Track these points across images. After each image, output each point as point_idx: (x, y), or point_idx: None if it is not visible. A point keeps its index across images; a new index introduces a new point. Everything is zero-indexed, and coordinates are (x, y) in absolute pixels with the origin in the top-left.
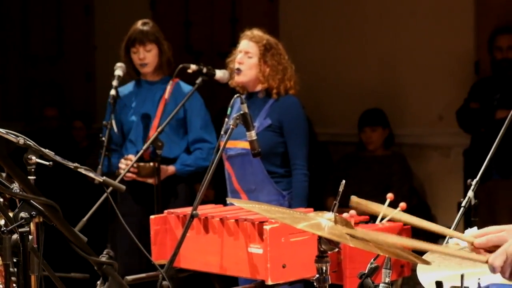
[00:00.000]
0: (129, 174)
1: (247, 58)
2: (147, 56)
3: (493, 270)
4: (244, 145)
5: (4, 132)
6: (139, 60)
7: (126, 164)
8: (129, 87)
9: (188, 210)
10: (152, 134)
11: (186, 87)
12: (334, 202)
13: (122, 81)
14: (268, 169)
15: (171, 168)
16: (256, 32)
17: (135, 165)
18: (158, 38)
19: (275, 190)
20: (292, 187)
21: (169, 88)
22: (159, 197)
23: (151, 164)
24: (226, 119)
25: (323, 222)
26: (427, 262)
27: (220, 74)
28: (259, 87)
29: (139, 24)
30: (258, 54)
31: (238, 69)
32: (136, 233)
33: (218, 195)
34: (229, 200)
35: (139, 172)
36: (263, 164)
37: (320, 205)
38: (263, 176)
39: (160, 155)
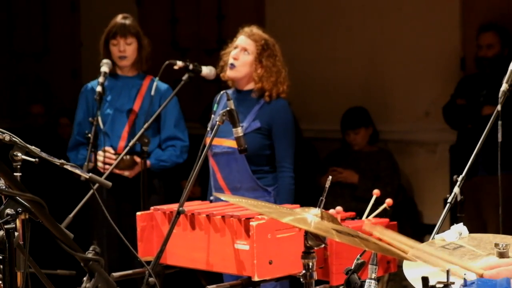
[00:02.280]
0: (107, 166)
1: (242, 55)
2: (127, 49)
3: None
4: (230, 143)
5: None
6: (119, 52)
7: (105, 156)
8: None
9: (174, 206)
10: (129, 128)
11: (161, 84)
12: (321, 198)
13: (94, 74)
14: (252, 168)
15: (147, 162)
16: (256, 30)
17: (113, 157)
18: (138, 32)
19: (259, 188)
20: (279, 190)
21: (155, 84)
22: (145, 194)
23: (128, 156)
24: (212, 116)
25: (310, 217)
26: (413, 259)
27: (206, 70)
28: (250, 86)
29: (119, 18)
30: (254, 52)
31: (232, 64)
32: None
33: (205, 192)
34: (216, 194)
35: (117, 164)
36: (249, 165)
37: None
38: (247, 174)
39: (147, 151)
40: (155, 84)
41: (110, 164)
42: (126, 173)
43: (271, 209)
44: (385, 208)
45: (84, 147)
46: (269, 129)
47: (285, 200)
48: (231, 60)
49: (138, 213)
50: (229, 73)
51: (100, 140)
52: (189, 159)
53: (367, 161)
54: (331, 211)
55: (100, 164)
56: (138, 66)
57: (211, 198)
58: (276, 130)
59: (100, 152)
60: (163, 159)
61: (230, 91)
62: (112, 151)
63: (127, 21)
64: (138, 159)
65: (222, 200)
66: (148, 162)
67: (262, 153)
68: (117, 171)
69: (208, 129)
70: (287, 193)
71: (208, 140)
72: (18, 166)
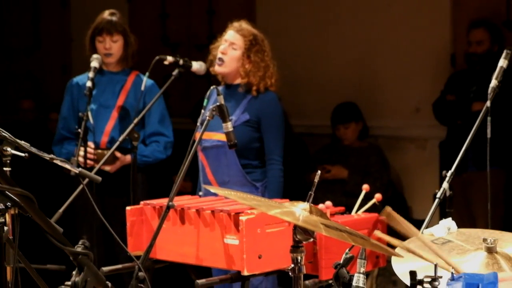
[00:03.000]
0: (88, 161)
1: (231, 50)
2: (113, 46)
3: None
4: (219, 137)
5: None
6: (105, 49)
7: (86, 151)
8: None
9: (164, 201)
10: (112, 123)
11: (147, 80)
12: (310, 192)
13: (84, 70)
14: (242, 162)
15: (127, 157)
16: (245, 25)
17: (94, 152)
18: (125, 29)
19: (248, 183)
20: (266, 179)
21: (145, 79)
22: (135, 188)
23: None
24: (203, 111)
25: (298, 211)
26: (399, 255)
27: (196, 66)
28: (238, 80)
29: (106, 14)
30: (242, 47)
31: (220, 59)
32: (98, 222)
33: (196, 187)
34: (205, 187)
35: (98, 159)
36: (238, 158)
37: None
38: (237, 168)
39: (136, 147)
40: (144, 79)
41: (90, 159)
42: (107, 168)
43: (260, 202)
44: (374, 203)
45: (68, 141)
46: (258, 122)
47: (274, 192)
48: (219, 55)
49: (127, 208)
50: (217, 69)
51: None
52: (180, 154)
53: (357, 156)
54: (321, 205)
55: (81, 159)
56: (123, 63)
57: (200, 193)
58: (265, 123)
59: (81, 148)
60: (145, 155)
61: (220, 87)
62: (92, 146)
63: (114, 18)
64: (118, 154)
65: (211, 195)
66: (128, 157)
67: (251, 146)
68: (96, 166)
69: (198, 124)
70: (276, 185)
71: (198, 135)
72: (8, 161)
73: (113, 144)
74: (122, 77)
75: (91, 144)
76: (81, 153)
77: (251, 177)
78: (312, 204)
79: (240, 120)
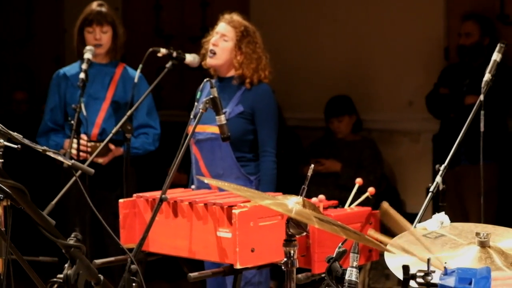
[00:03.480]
0: (82, 154)
1: (222, 41)
2: (102, 37)
3: None
4: (213, 129)
5: None
6: (95, 40)
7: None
8: (75, 67)
9: (157, 194)
10: (103, 115)
11: (132, 71)
12: (303, 186)
13: (70, 61)
14: (236, 154)
15: (119, 150)
16: (236, 17)
17: (85, 144)
18: (114, 21)
19: (242, 176)
20: (260, 172)
21: (138, 71)
22: (128, 181)
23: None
24: (196, 103)
25: (291, 203)
26: (391, 251)
27: (190, 58)
28: (231, 73)
29: (95, 5)
30: (234, 39)
31: (212, 51)
32: (90, 214)
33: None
34: (199, 177)
35: (92, 151)
36: (232, 151)
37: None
38: (231, 161)
39: (130, 139)
40: (138, 71)
41: (83, 151)
42: (100, 160)
43: (253, 194)
44: (367, 197)
45: (55, 133)
46: (252, 114)
47: (267, 184)
48: (211, 47)
49: (120, 200)
50: (209, 61)
51: (70, 127)
52: (174, 147)
53: (350, 149)
54: (314, 199)
55: (74, 151)
56: (112, 54)
57: (192, 187)
58: (259, 115)
59: (74, 140)
60: (136, 146)
61: (213, 80)
62: (86, 138)
63: (103, 9)
64: (112, 147)
65: (204, 188)
66: (121, 149)
67: (246, 138)
68: (89, 158)
69: (191, 117)
70: (269, 177)
71: (191, 128)
72: (0, 153)
73: (105, 136)
74: (111, 69)
75: (84, 136)
76: (74, 145)
77: (245, 170)
78: (305, 198)
79: (234, 112)
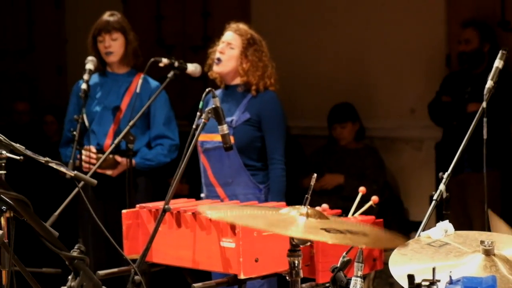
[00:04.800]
0: (90, 166)
1: (228, 49)
2: (112, 45)
3: None
4: (221, 138)
5: None
6: (105, 48)
7: (86, 155)
8: (94, 78)
9: (160, 204)
10: (116, 126)
11: (152, 82)
12: (306, 196)
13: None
14: (244, 162)
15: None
16: (242, 26)
17: (95, 156)
18: (124, 27)
19: (251, 183)
20: (269, 181)
21: (140, 81)
22: (131, 191)
23: (111, 156)
24: (198, 113)
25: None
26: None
27: (191, 68)
28: (237, 81)
29: (106, 15)
30: (240, 47)
31: (218, 59)
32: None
33: (193, 189)
34: (201, 208)
35: (99, 163)
36: (241, 158)
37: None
38: (240, 169)
39: (132, 149)
40: (140, 81)
41: (92, 163)
42: (109, 172)
43: (256, 219)
44: (371, 206)
45: (69, 144)
46: (259, 120)
47: (275, 193)
48: (217, 55)
49: (123, 211)
50: (215, 68)
51: (86, 138)
52: (177, 157)
53: (352, 158)
54: (317, 208)
55: (83, 164)
56: (126, 62)
57: (202, 195)
58: (266, 122)
59: (83, 151)
60: (149, 158)
61: (218, 91)
62: (94, 150)
63: (112, 18)
64: (119, 159)
65: (212, 197)
66: (133, 161)
67: (253, 146)
68: (99, 170)
69: (194, 126)
70: (278, 185)
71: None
72: (3, 164)
73: (119, 147)
74: (127, 78)
75: (92, 148)
76: (83, 157)
77: (255, 179)
78: (309, 207)
79: (240, 120)
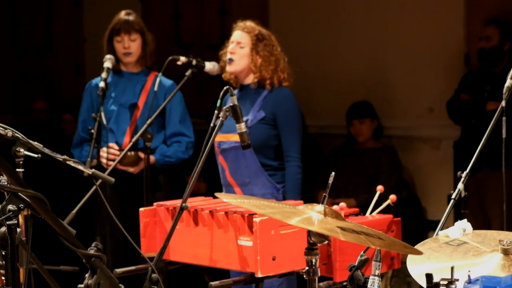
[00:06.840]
0: (111, 163)
1: (239, 48)
2: (131, 45)
3: None
4: (237, 138)
5: None
6: (124, 49)
7: (107, 152)
8: (108, 77)
9: (177, 202)
10: (134, 124)
11: (166, 80)
12: (324, 194)
13: (97, 70)
14: (261, 161)
15: (151, 158)
16: (249, 23)
17: (118, 153)
18: (142, 28)
19: (269, 183)
20: (286, 180)
21: (158, 79)
22: (148, 189)
23: (133, 152)
24: (216, 112)
25: (314, 215)
26: (418, 252)
27: (209, 66)
28: (251, 78)
29: (123, 14)
30: (250, 44)
31: (230, 59)
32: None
33: (210, 188)
34: (217, 195)
35: (121, 160)
36: (257, 157)
37: (311, 198)
38: (257, 168)
39: (150, 147)
40: (158, 79)
41: (114, 161)
42: (131, 169)
43: (274, 209)
44: (388, 204)
45: (88, 143)
46: (274, 119)
47: (292, 190)
48: (228, 55)
49: (141, 209)
50: (228, 68)
51: (103, 136)
52: (194, 155)
53: (370, 158)
54: (335, 207)
55: (104, 161)
56: (142, 62)
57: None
58: (281, 120)
59: (104, 149)
60: (168, 155)
61: (235, 91)
62: (117, 147)
63: (131, 18)
64: (142, 155)
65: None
66: (152, 158)
67: (269, 144)
68: (121, 167)
69: (212, 125)
70: (294, 183)
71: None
72: (21, 162)
73: (137, 145)
74: (142, 77)
75: (114, 145)
76: (104, 154)
77: (272, 179)
78: (327, 206)
79: (256, 119)
